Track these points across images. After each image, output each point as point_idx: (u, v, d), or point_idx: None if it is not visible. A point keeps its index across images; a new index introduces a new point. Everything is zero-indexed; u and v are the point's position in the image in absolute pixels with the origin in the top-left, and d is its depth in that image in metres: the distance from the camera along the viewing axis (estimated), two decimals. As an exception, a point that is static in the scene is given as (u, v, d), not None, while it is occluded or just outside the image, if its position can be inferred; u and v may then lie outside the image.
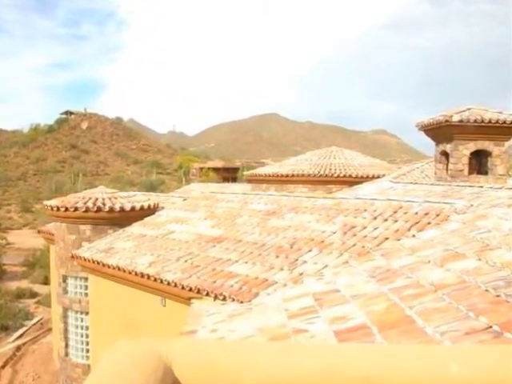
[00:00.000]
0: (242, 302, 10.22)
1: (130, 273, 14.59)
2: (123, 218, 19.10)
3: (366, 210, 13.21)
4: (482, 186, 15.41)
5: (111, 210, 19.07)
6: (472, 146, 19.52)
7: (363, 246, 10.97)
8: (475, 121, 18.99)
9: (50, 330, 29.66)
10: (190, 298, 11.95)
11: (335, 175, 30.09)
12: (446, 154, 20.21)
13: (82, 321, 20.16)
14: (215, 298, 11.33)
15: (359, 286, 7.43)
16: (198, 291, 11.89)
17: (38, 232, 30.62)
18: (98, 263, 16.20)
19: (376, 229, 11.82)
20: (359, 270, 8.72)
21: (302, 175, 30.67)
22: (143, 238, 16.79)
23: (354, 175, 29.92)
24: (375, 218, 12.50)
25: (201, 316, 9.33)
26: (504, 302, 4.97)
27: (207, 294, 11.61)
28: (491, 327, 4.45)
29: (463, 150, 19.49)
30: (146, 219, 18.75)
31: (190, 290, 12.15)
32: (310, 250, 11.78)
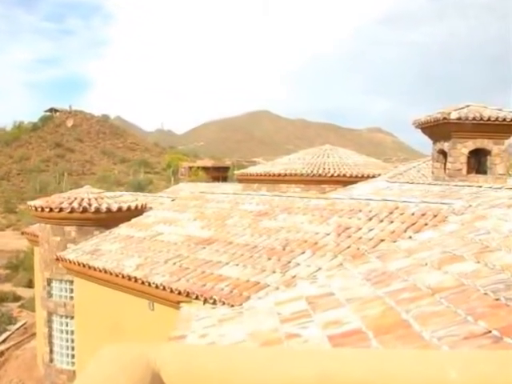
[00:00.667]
0: (232, 306, 10.22)
1: (116, 275, 14.57)
2: (110, 219, 19.06)
3: (360, 211, 13.22)
4: (480, 186, 15.43)
5: (97, 210, 19.02)
6: (471, 145, 19.54)
7: (358, 248, 10.98)
8: (474, 118, 19.02)
9: (34, 334, 29.52)
10: (178, 302, 11.94)
11: (329, 175, 30.11)
12: (443, 153, 20.23)
13: (67, 325, 20.09)
14: (205, 301, 11.33)
15: (354, 290, 7.43)
16: (187, 295, 11.89)
17: (22, 233, 30.54)
18: (84, 266, 16.17)
19: (371, 230, 11.83)
20: (354, 272, 8.72)
21: (295, 175, 30.67)
22: (130, 239, 16.77)
23: (348, 175, 29.94)
24: (370, 219, 12.52)
25: (190, 320, 9.32)
26: (504, 305, 4.97)
27: (196, 298, 11.62)
28: (490, 332, 4.45)
29: (461, 149, 19.51)
30: (134, 220, 18.73)
31: (179, 293, 12.15)
32: (303, 252, 11.80)
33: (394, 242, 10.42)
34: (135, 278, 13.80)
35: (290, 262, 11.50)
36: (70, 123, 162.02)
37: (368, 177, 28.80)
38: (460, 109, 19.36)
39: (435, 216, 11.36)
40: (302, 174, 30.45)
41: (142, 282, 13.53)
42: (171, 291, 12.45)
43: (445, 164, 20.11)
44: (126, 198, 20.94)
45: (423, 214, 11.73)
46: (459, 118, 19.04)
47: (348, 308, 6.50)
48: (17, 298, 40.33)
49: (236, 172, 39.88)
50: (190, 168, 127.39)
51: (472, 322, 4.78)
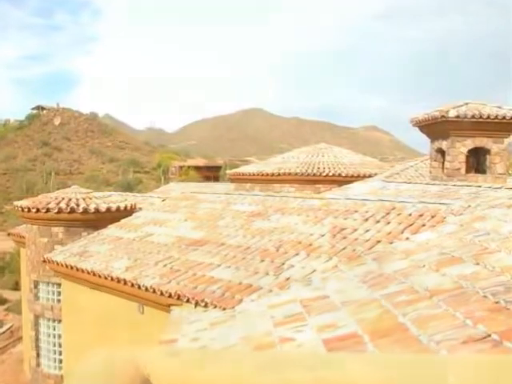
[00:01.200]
0: (224, 309, 10.22)
1: (105, 278, 14.54)
2: (98, 220, 19.02)
3: (356, 211, 13.22)
4: (480, 186, 15.46)
5: (85, 211, 18.98)
6: (469, 143, 19.57)
7: (354, 250, 10.98)
8: (473, 116, 19.04)
9: (20, 338, 29.51)
10: (169, 305, 11.93)
11: (324, 174, 30.06)
12: (441, 152, 20.26)
13: (54, 329, 20.06)
14: (196, 304, 11.31)
15: (350, 292, 7.43)
16: (178, 297, 11.87)
17: (8, 235, 30.42)
18: (72, 268, 16.14)
19: (367, 231, 11.83)
20: (349, 274, 8.72)
21: (289, 174, 30.63)
22: (119, 240, 16.74)
23: (343, 174, 29.90)
24: (367, 220, 12.52)
25: (181, 324, 9.31)
26: (503, 308, 4.98)
27: (188, 301, 11.60)
28: (490, 336, 4.45)
29: (460, 148, 19.53)
30: (123, 221, 18.69)
31: (170, 296, 12.13)
32: (297, 254, 11.78)
33: (391, 243, 10.43)
34: (124, 280, 13.77)
35: (283, 264, 11.49)
36: (57, 121, 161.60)
37: (364, 176, 28.77)
38: (459, 106, 19.38)
39: (433, 217, 11.37)
40: (296, 174, 30.40)
41: (132, 285, 13.51)
42: (161, 294, 12.43)
43: (443, 163, 20.13)
44: (115, 199, 20.90)
45: (421, 215, 11.73)
46: (458, 116, 19.06)
47: (343, 311, 6.50)
48: (3, 301, 40.31)
49: (228, 171, 39.84)
50: (181, 167, 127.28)
51: (471, 325, 4.79)
